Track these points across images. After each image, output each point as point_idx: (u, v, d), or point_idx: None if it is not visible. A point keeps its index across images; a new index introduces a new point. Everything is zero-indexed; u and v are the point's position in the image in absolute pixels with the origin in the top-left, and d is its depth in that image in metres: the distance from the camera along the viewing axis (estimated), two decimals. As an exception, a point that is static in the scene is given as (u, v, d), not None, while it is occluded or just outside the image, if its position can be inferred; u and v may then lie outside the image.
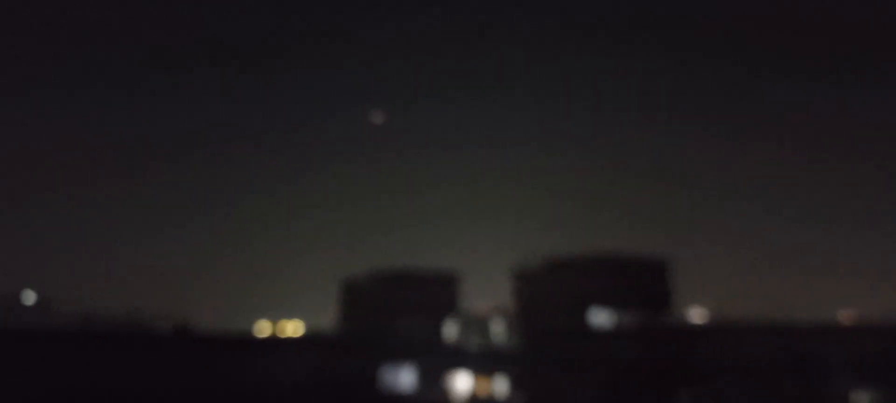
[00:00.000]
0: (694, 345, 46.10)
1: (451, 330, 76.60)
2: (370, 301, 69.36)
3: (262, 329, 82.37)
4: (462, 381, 65.60)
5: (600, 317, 56.70)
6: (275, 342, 74.83)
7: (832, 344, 42.67)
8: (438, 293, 70.86)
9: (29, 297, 78.92)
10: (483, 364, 65.70)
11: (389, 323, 67.25)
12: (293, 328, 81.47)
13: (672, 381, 45.20)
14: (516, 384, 58.09)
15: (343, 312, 73.08)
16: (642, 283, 55.37)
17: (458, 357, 71.01)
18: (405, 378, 67.57)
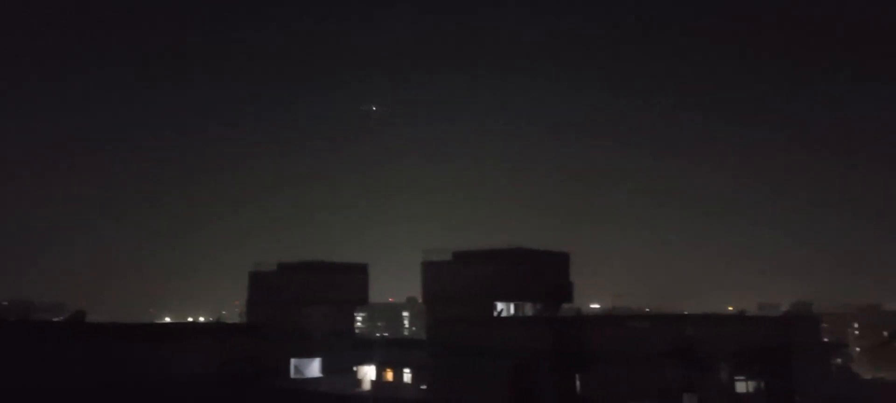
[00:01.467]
0: (590, 334, 48.76)
1: (360, 320, 77.08)
2: (279, 291, 69.08)
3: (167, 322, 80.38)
4: (370, 370, 66.53)
5: (505, 307, 58.81)
6: (179, 331, 73.30)
7: (716, 335, 46.17)
8: (348, 283, 71.29)
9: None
10: (391, 352, 66.83)
11: (298, 313, 67.26)
12: (200, 320, 79.88)
13: (569, 368, 47.78)
14: (423, 372, 59.49)
15: (251, 303, 72.44)
16: (545, 275, 57.69)
17: (367, 347, 71.95)
18: (313, 367, 67.92)
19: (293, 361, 67.15)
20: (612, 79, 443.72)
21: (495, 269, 56.90)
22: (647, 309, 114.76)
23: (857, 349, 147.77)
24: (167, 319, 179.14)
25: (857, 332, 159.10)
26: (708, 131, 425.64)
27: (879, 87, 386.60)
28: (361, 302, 77.62)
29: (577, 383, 48.11)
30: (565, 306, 62.11)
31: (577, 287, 60.33)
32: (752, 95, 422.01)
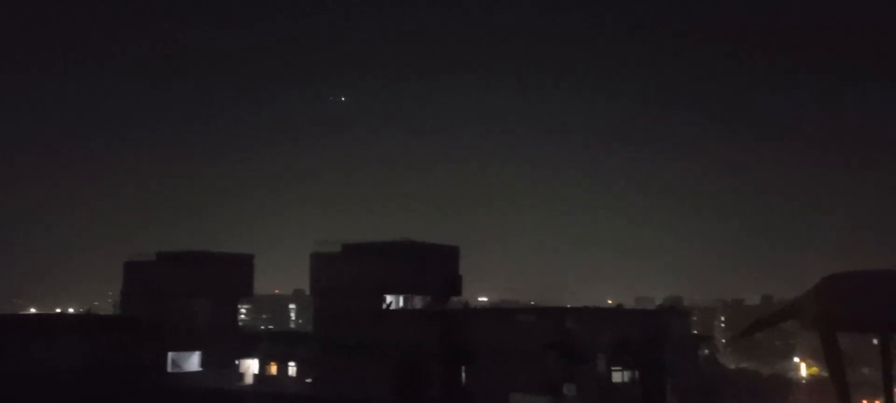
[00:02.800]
0: (476, 327, 49.39)
1: (244, 313, 74.74)
2: (157, 283, 65.73)
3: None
4: (253, 364, 64.58)
5: (395, 300, 58.61)
6: (44, 323, 68.34)
7: (596, 327, 47.88)
8: (231, 275, 68.83)
9: None
10: (276, 346, 65.12)
11: (177, 305, 64.30)
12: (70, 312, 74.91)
13: (455, 361, 48.22)
14: (309, 366, 58.35)
15: (126, 295, 68.55)
16: (434, 269, 57.90)
17: (251, 340, 69.75)
18: (192, 361, 65.19)
19: (171, 355, 64.22)
20: (502, 72, 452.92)
21: (385, 262, 56.52)
22: (533, 303, 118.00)
23: (723, 340, 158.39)
24: (33, 310, 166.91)
25: (723, 325, 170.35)
26: (593, 132, 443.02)
27: (747, 96, 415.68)
28: (245, 294, 75.29)
29: (463, 375, 48.62)
30: (454, 299, 62.61)
31: (465, 280, 60.97)
32: (636, 99, 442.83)
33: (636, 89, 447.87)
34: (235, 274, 69.29)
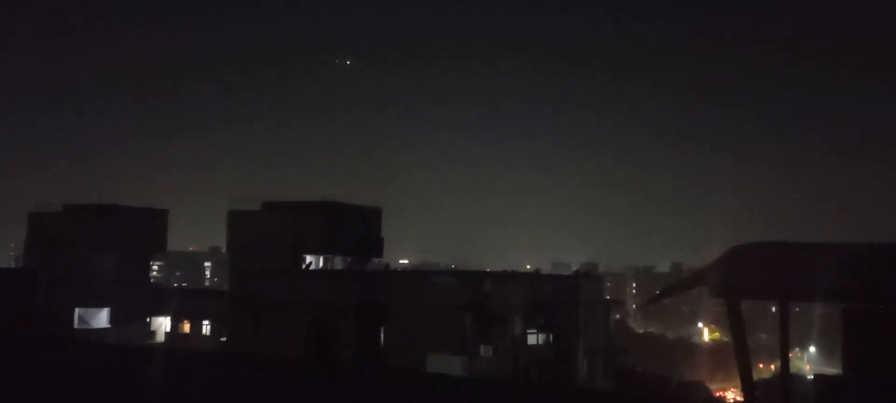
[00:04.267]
0: (395, 288, 49.62)
1: (156, 269, 72.43)
2: (63, 235, 62.70)
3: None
4: (165, 321, 62.93)
5: (315, 260, 58.03)
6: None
7: (512, 290, 48.87)
8: (143, 229, 66.36)
9: None
10: (190, 303, 63.59)
11: (85, 259, 61.60)
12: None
13: (373, 321, 48.35)
14: (224, 324, 57.34)
15: (30, 247, 65.14)
16: (355, 230, 57.56)
17: (163, 296, 67.81)
18: (101, 317, 62.89)
19: (78, 310, 61.69)
20: (428, 38, 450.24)
21: (305, 221, 55.80)
22: (453, 266, 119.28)
23: (634, 306, 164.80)
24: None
25: (634, 291, 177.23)
26: (514, 101, 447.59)
27: (661, 67, 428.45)
28: (158, 249, 72.85)
29: (382, 336, 48.84)
30: (375, 260, 62.52)
31: (387, 242, 60.89)
32: (556, 67, 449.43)
33: (555, 56, 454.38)
34: (147, 228, 66.84)
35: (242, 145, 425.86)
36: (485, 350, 46.07)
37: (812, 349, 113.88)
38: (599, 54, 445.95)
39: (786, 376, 6.46)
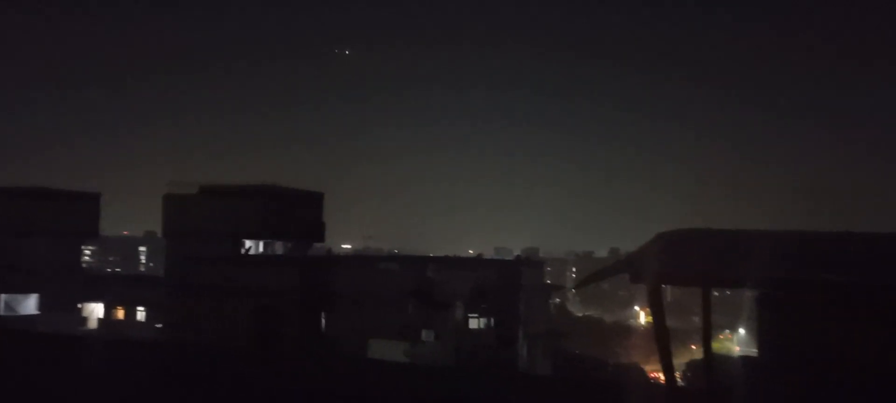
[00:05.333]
0: (338, 274, 49.38)
1: (89, 254, 70.14)
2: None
3: None
4: (98, 308, 61.14)
5: (254, 245, 57.19)
6: None
7: (455, 275, 49.28)
8: (75, 213, 64.13)
9: None
10: (124, 289, 61.93)
11: (12, 243, 59.18)
12: None
13: (316, 308, 48.05)
14: (160, 311, 56.02)
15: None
16: (297, 215, 56.93)
17: (96, 283, 65.79)
18: (29, 304, 60.62)
19: (4, 297, 59.36)
20: (372, 17, 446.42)
21: (245, 206, 54.85)
22: (396, 251, 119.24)
23: (573, 290, 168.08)
24: None
25: (574, 275, 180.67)
26: (457, 86, 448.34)
27: (601, 58, 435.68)
28: (91, 234, 70.60)
29: (323, 322, 48.59)
30: (317, 246, 62.02)
31: (329, 228, 60.45)
32: (498, 56, 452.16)
33: (494, 41, 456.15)
34: (79, 213, 64.62)
35: (179, 128, 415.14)
36: (427, 335, 46.37)
37: (741, 331, 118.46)
38: (540, 38, 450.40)
39: (708, 357, 6.76)
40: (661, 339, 5.79)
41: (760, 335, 5.18)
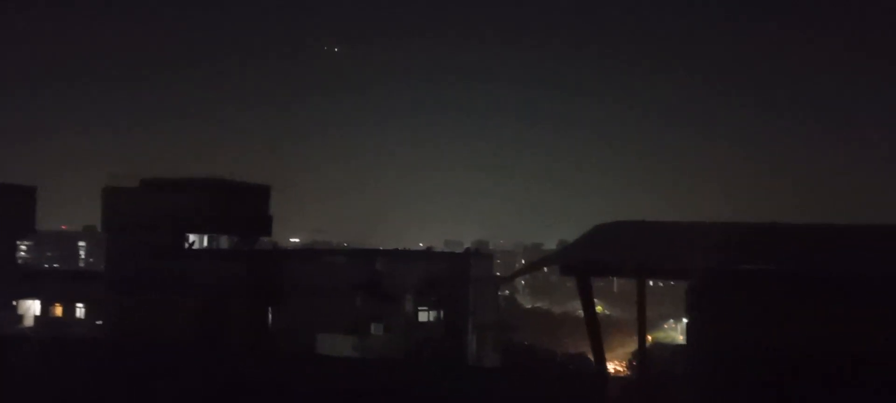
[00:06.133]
0: (286, 268, 48.78)
1: (24, 249, 67.77)
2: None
3: None
4: (34, 304, 59.13)
5: (198, 239, 56.07)
6: None
7: (404, 268, 49.20)
8: (9, 208, 61.84)
9: None
10: (62, 285, 60.04)
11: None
12: None
13: (262, 302, 47.40)
14: (100, 307, 54.47)
15: None
16: (242, 208, 55.96)
17: (32, 279, 63.61)
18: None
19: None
20: (316, 16, 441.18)
21: (189, 199, 53.62)
22: (345, 244, 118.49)
23: (522, 282, 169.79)
24: None
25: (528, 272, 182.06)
26: (406, 78, 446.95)
27: (556, 56, 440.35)
28: (26, 229, 68.20)
29: (270, 316, 47.98)
30: (263, 240, 61.08)
31: (276, 221, 59.59)
32: (451, 48, 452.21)
33: (444, 33, 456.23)
34: (13, 206, 62.32)
35: (121, 121, 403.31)
36: (376, 329, 46.22)
37: (685, 321, 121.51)
38: (489, 31, 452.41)
39: (643, 345, 6.96)
40: (592, 328, 5.92)
41: (688, 323, 5.34)
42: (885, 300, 4.82)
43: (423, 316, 49.18)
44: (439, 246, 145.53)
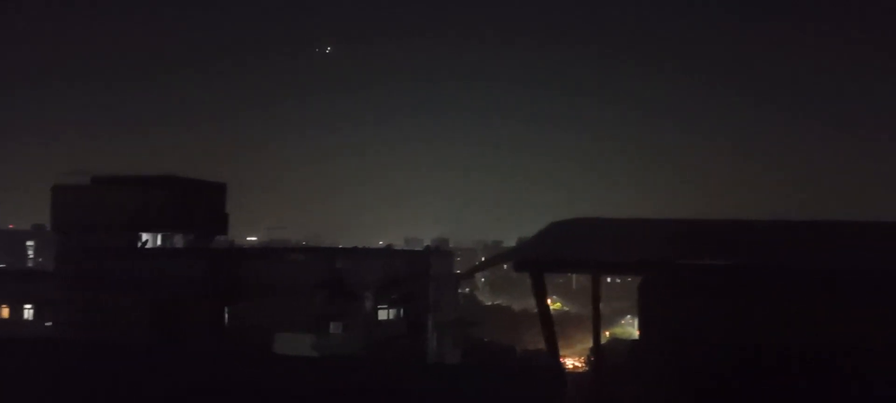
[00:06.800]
0: (243, 267, 48.20)
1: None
2: None
3: None
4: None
5: (152, 238, 55.10)
6: None
7: (364, 267, 49.05)
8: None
9: None
10: (9, 286, 58.33)
11: None
12: None
13: (219, 301, 46.75)
14: (50, 308, 53.07)
15: None
16: (198, 206, 55.23)
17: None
18: None
19: None
20: (275, 8, 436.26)
21: (142, 197, 52.69)
22: (304, 243, 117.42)
23: (483, 279, 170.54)
24: None
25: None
26: (366, 74, 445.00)
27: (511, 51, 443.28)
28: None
29: (227, 317, 47.37)
30: (220, 238, 60.29)
31: (234, 219, 58.87)
32: (411, 45, 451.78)
33: (402, 30, 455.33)
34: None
35: (71, 119, 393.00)
36: (335, 328, 45.98)
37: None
38: (446, 28, 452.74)
39: (598, 340, 7.06)
40: (546, 324, 5.98)
41: (639, 317, 5.44)
42: (837, 295, 4.94)
43: (383, 314, 49.12)
44: (399, 244, 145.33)
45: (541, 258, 5.62)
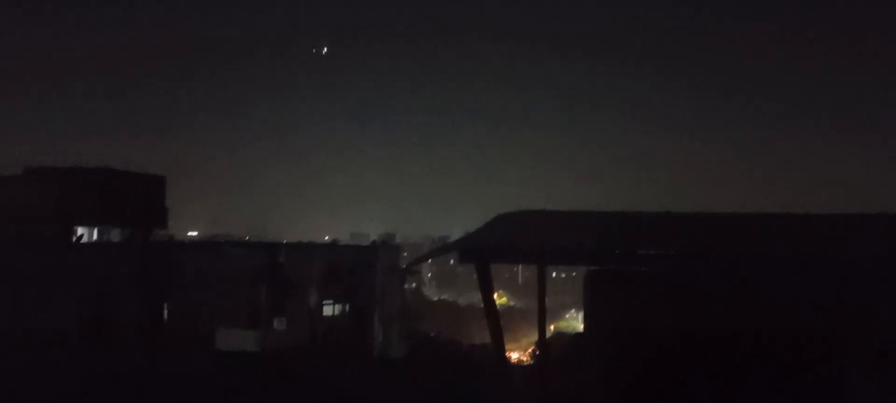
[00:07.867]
0: (182, 260, 47.09)
1: None
2: None
3: None
4: None
5: (88, 233, 53.45)
6: None
7: (309, 261, 48.50)
8: None
9: None
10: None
11: None
12: None
13: (156, 296, 45.56)
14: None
15: None
16: (135, 199, 53.82)
17: None
18: None
19: None
20: (205, 7, 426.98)
21: (76, 190, 51.06)
22: (247, 237, 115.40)
23: (429, 274, 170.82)
24: None
25: (430, 260, 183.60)
26: (311, 68, 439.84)
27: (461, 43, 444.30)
28: None
29: (165, 311, 46.20)
30: (159, 232, 58.81)
31: (174, 213, 57.61)
32: (358, 41, 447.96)
33: (349, 24, 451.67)
34: None
35: (4, 109, 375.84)
36: (279, 323, 45.31)
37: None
38: (393, 22, 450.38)
39: (543, 333, 7.00)
40: (491, 316, 5.89)
41: (584, 309, 5.41)
42: (782, 283, 5.00)
43: (328, 309, 48.67)
44: (345, 239, 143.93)
45: (485, 248, 5.51)
